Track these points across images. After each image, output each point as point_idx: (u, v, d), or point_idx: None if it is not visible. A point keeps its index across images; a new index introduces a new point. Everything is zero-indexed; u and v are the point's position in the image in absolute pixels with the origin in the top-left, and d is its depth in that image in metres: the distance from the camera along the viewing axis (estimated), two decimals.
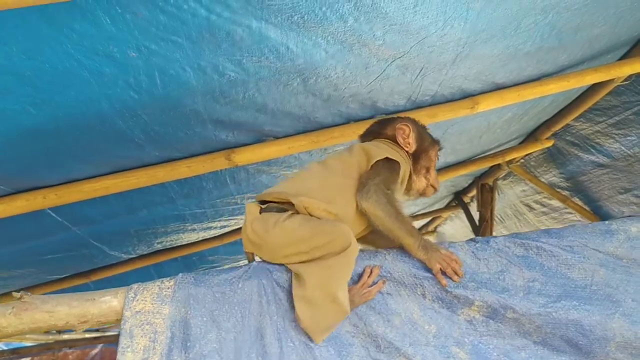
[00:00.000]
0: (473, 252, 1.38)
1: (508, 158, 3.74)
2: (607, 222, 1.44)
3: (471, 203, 4.97)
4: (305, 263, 1.27)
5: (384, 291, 1.32)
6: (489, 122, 3.12)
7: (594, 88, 3.00)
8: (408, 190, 1.61)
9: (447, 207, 5.30)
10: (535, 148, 3.68)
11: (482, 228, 4.49)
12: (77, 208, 2.22)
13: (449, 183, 4.67)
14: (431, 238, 6.19)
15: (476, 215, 4.63)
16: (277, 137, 2.32)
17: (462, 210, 4.98)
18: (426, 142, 1.65)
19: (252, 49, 1.64)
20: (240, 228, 3.46)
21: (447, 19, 1.79)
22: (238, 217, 3.10)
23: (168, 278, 1.22)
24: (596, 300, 1.29)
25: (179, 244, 3.32)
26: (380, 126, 1.73)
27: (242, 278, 1.25)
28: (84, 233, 2.52)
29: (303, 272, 1.24)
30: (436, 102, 2.42)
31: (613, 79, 2.80)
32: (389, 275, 1.32)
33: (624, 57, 2.74)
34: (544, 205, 4.29)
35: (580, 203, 3.91)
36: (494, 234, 4.81)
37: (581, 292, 1.30)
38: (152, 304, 1.16)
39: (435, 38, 1.88)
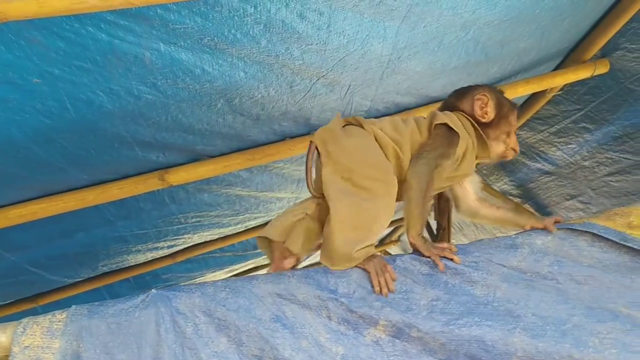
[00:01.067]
0: None
1: None
2: (513, 235, 1.46)
3: (430, 211, 5.00)
4: (340, 194, 1.34)
5: (289, 315, 1.31)
6: None
7: (534, 98, 3.06)
8: (487, 155, 1.64)
9: None
10: None
11: (439, 237, 4.52)
12: (6, 234, 2.16)
13: None
14: (395, 247, 6.21)
15: (435, 224, 4.67)
16: (212, 156, 2.31)
17: None
18: (505, 108, 1.66)
19: (165, 71, 1.63)
20: (192, 246, 3.43)
21: (364, 38, 1.81)
22: (184, 236, 3.07)
23: (60, 311, 1.20)
24: (497, 316, 1.30)
25: (127, 265, 3.26)
26: (457, 98, 1.72)
27: (139, 307, 1.23)
28: (19, 259, 2.46)
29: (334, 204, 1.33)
30: (371, 117, 2.43)
31: (547, 89, 2.87)
32: (293, 297, 1.32)
33: (558, 67, 2.80)
34: None
35: (531, 210, 3.97)
36: (453, 242, 4.85)
37: (483, 308, 1.31)
38: (41, 338, 1.14)
39: (356, 56, 1.90)
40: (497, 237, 1.46)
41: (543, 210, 3.92)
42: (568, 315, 1.30)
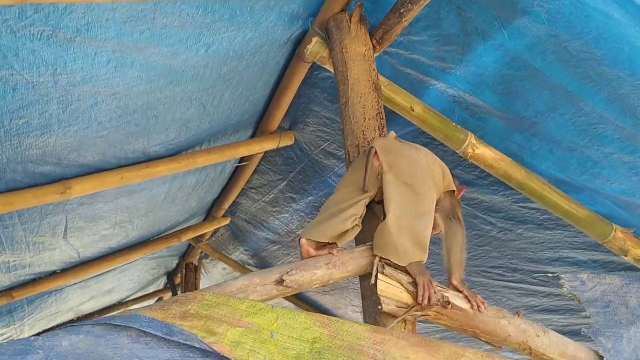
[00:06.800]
0: None
1: (185, 238, 3.58)
2: (32, 338, 1.22)
3: None
4: (400, 197, 1.49)
5: None
6: (144, 202, 2.91)
7: (240, 168, 3.03)
8: None
9: (166, 288, 4.97)
10: (212, 227, 3.60)
11: None
12: None
13: (154, 264, 4.37)
14: None
15: None
16: None
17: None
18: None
19: None
20: None
21: None
22: None
23: None
24: None
25: None
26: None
27: None
28: None
29: None
30: (13, 188, 2.11)
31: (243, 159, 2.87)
32: None
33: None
34: None
35: None
36: None
37: None
38: None
39: None
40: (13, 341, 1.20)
41: None
42: None
